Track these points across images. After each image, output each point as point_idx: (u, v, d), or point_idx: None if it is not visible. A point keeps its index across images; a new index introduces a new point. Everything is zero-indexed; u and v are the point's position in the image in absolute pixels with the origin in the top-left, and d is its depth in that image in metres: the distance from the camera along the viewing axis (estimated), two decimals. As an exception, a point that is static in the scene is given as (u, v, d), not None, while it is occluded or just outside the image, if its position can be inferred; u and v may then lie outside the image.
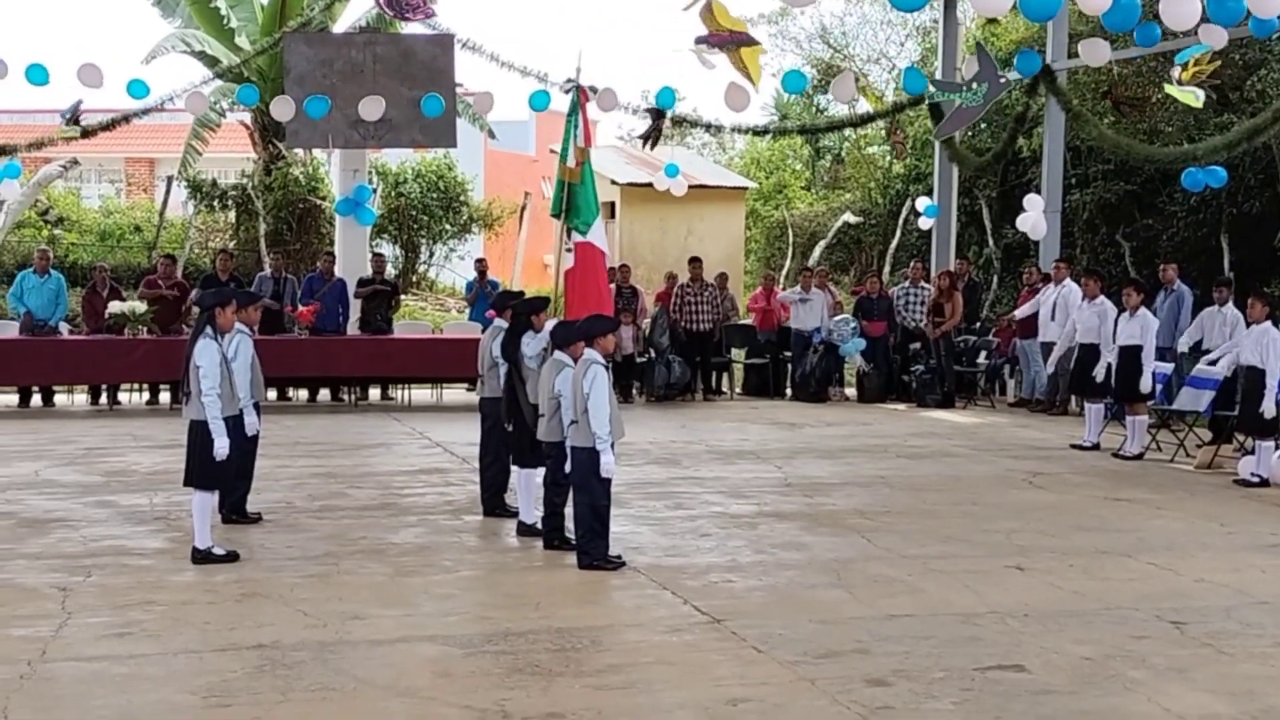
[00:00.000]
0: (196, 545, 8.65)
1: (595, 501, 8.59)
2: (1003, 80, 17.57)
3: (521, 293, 11.39)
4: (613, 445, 8.62)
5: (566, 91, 10.66)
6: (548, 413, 8.89)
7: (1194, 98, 14.64)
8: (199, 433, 8.59)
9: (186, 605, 7.56)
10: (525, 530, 9.58)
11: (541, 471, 9.40)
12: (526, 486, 9.66)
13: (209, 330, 8.69)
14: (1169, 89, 14.99)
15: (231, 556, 8.64)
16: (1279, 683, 6.44)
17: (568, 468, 8.80)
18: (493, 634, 7.05)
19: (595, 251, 9.74)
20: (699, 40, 16.04)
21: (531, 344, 9.61)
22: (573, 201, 10.31)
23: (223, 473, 8.72)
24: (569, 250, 10.22)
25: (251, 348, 9.70)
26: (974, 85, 17.57)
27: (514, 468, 9.93)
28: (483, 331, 18.53)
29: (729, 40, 15.89)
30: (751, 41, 16.02)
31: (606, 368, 8.62)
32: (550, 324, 9.60)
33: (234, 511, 9.75)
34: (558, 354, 8.94)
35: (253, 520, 9.86)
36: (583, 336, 8.79)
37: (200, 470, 8.65)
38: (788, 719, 5.83)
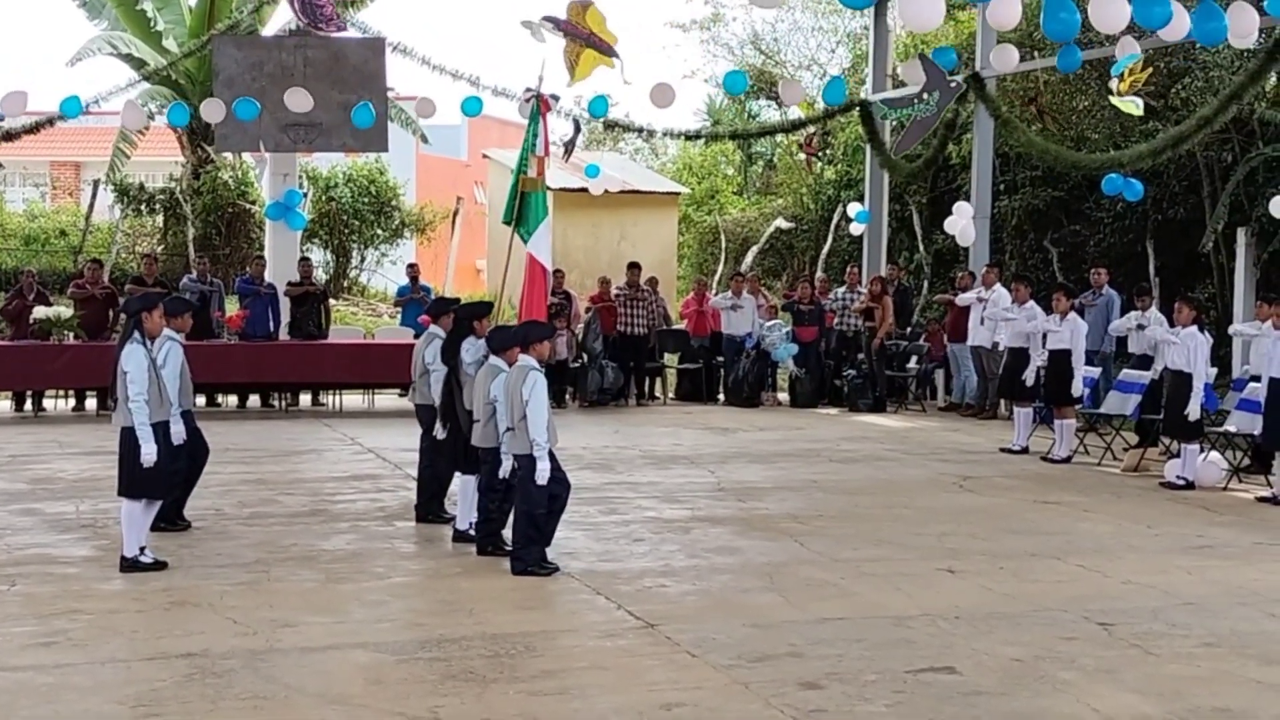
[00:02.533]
0: (124, 554, 8.52)
1: (532, 509, 8.55)
2: (953, 85, 17.72)
3: (457, 299, 11.34)
4: (550, 452, 8.57)
5: (527, 101, 10.59)
6: (483, 418, 8.87)
7: (1134, 106, 14.84)
8: (129, 440, 8.42)
9: (114, 614, 7.46)
10: (460, 537, 9.53)
11: (469, 478, 9.39)
12: (464, 493, 9.60)
13: (137, 335, 8.55)
14: (1114, 100, 15.17)
15: (159, 565, 8.52)
16: (1205, 683, 6.53)
17: (502, 473, 8.76)
18: (425, 640, 7.02)
19: (534, 262, 9.70)
20: (547, 17, 15.72)
21: (471, 350, 9.56)
22: (524, 211, 10.22)
23: (154, 480, 8.50)
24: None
25: (181, 354, 9.54)
26: (924, 95, 17.73)
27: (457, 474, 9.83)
28: (415, 337, 18.49)
29: (582, 36, 15.66)
30: (609, 54, 15.79)
31: (542, 374, 8.60)
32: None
33: (162, 519, 9.60)
34: (493, 359, 8.94)
35: (181, 528, 9.71)
36: (519, 342, 8.78)
37: (130, 479, 8.48)
38: (722, 723, 5.84)
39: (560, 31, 15.77)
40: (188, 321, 9.64)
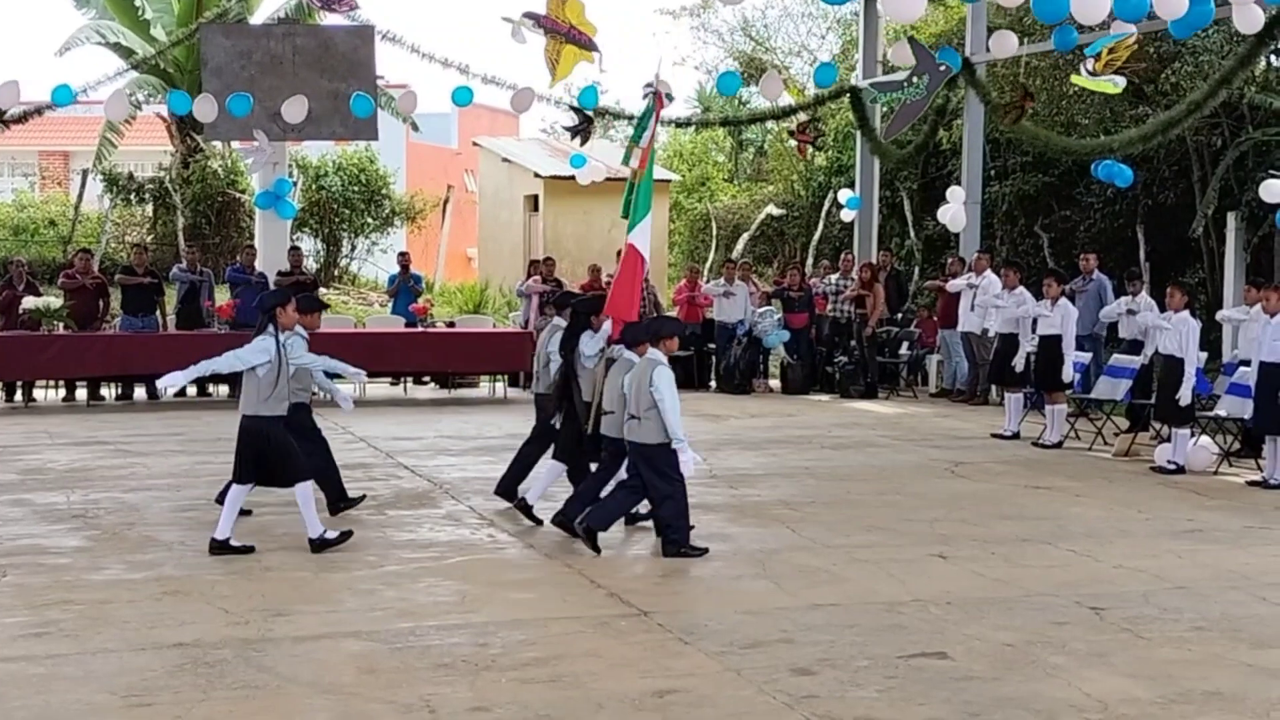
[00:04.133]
0: (311, 537, 8.81)
1: (674, 493, 8.78)
2: (942, 69, 17.69)
3: (576, 293, 11.79)
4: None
5: (645, 98, 10.73)
6: (617, 409, 9.04)
7: (1112, 85, 14.79)
8: (250, 429, 8.79)
9: (105, 604, 7.45)
10: (524, 505, 9.83)
11: (590, 468, 9.66)
12: (549, 474, 9.91)
13: (271, 329, 8.88)
14: (1077, 79, 15.12)
15: (248, 549, 8.73)
16: (1196, 666, 6.55)
17: (685, 468, 8.90)
18: (417, 629, 7.02)
19: (634, 252, 9.95)
20: (528, 14, 15.68)
21: (590, 343, 9.79)
22: (631, 200, 10.44)
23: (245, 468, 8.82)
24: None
25: (304, 349, 9.59)
26: (914, 79, 17.68)
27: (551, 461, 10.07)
28: (407, 326, 18.46)
29: (563, 32, 15.59)
30: (589, 47, 15.72)
31: (668, 367, 8.86)
32: (608, 324, 9.80)
33: (341, 500, 9.99)
34: (626, 353, 9.16)
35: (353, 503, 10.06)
36: (649, 337, 9.00)
37: (286, 468, 8.78)
38: (714, 710, 5.84)
39: (541, 29, 15.70)
40: (317, 320, 9.82)
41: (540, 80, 17.05)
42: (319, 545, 8.79)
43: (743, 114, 26.32)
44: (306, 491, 8.86)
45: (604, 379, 9.37)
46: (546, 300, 18.16)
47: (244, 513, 9.27)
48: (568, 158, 23.19)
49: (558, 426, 9.97)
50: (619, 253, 18.69)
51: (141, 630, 6.95)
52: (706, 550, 8.86)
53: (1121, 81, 14.94)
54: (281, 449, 8.79)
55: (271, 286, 18.19)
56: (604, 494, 9.27)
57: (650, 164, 10.49)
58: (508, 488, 10.28)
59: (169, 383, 8.92)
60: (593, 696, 6.00)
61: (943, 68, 17.47)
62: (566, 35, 15.37)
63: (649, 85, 11.02)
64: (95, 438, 14.02)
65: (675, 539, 8.81)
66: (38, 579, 8.03)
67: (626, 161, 10.66)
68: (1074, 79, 15.54)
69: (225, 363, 8.87)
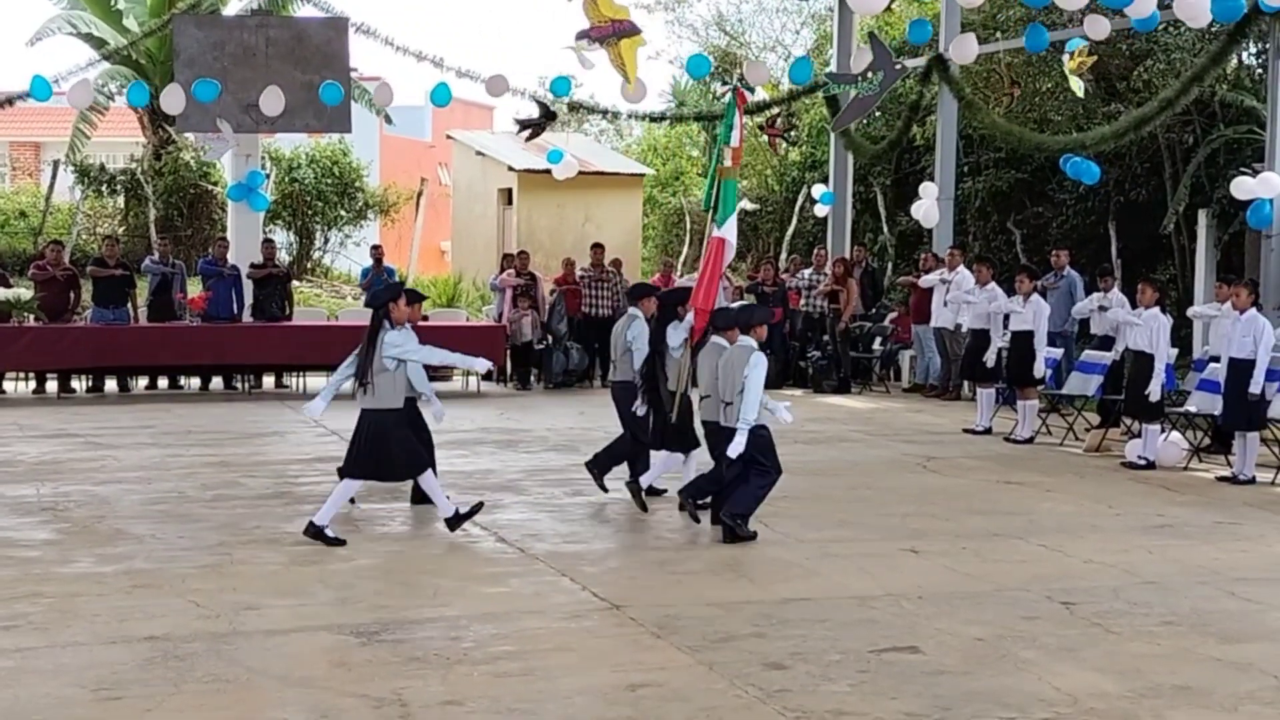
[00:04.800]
0: (445, 516, 9.04)
1: (766, 481, 9.10)
2: (898, 67, 17.75)
3: (655, 286, 12.27)
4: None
5: (724, 96, 10.84)
6: (713, 394, 9.26)
7: (1077, 86, 14.93)
8: (367, 422, 8.91)
9: (75, 597, 7.42)
10: (651, 491, 10.08)
11: (679, 457, 10.09)
12: (662, 462, 10.20)
13: (386, 324, 8.94)
14: (1067, 68, 15.25)
15: (339, 541, 8.79)
16: (1165, 660, 6.59)
17: (732, 451, 9.10)
18: (390, 622, 7.00)
19: (721, 245, 10.23)
20: (580, 35, 15.83)
21: (675, 334, 10.09)
22: (720, 197, 10.66)
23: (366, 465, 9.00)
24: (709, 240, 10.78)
25: (416, 342, 9.57)
26: (869, 75, 17.71)
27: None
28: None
29: (610, 32, 15.67)
30: (633, 30, 15.79)
31: (763, 355, 9.11)
32: (691, 314, 10.14)
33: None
34: (715, 338, 9.45)
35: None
36: (739, 324, 9.22)
37: (407, 462, 8.98)
38: (686, 704, 5.85)
39: (597, 44, 15.77)
40: (418, 312, 9.75)
41: (514, 70, 17.02)
42: (455, 521, 9.07)
43: (717, 109, 26.23)
44: (430, 479, 9.11)
45: (689, 367, 9.85)
46: (520, 293, 18.18)
47: (350, 501, 9.48)
48: (544, 152, 23.15)
49: (640, 414, 10.25)
50: (595, 246, 18.76)
51: (112, 623, 6.92)
52: (755, 535, 9.08)
53: (1081, 85, 15.06)
54: (401, 442, 8.98)
55: (244, 279, 18.16)
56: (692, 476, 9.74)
57: (738, 161, 10.74)
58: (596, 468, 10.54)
59: (314, 413, 9.13)
60: (565, 690, 5.99)
61: (898, 65, 17.53)
62: (614, 32, 15.44)
63: (728, 84, 11.26)
64: (65, 430, 13.95)
65: (738, 517, 9.05)
66: (7, 572, 7.98)
67: (720, 160, 10.86)
68: (1065, 66, 15.65)
69: (346, 372, 9.08)
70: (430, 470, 9.20)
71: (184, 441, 13.31)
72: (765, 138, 22.18)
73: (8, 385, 17.44)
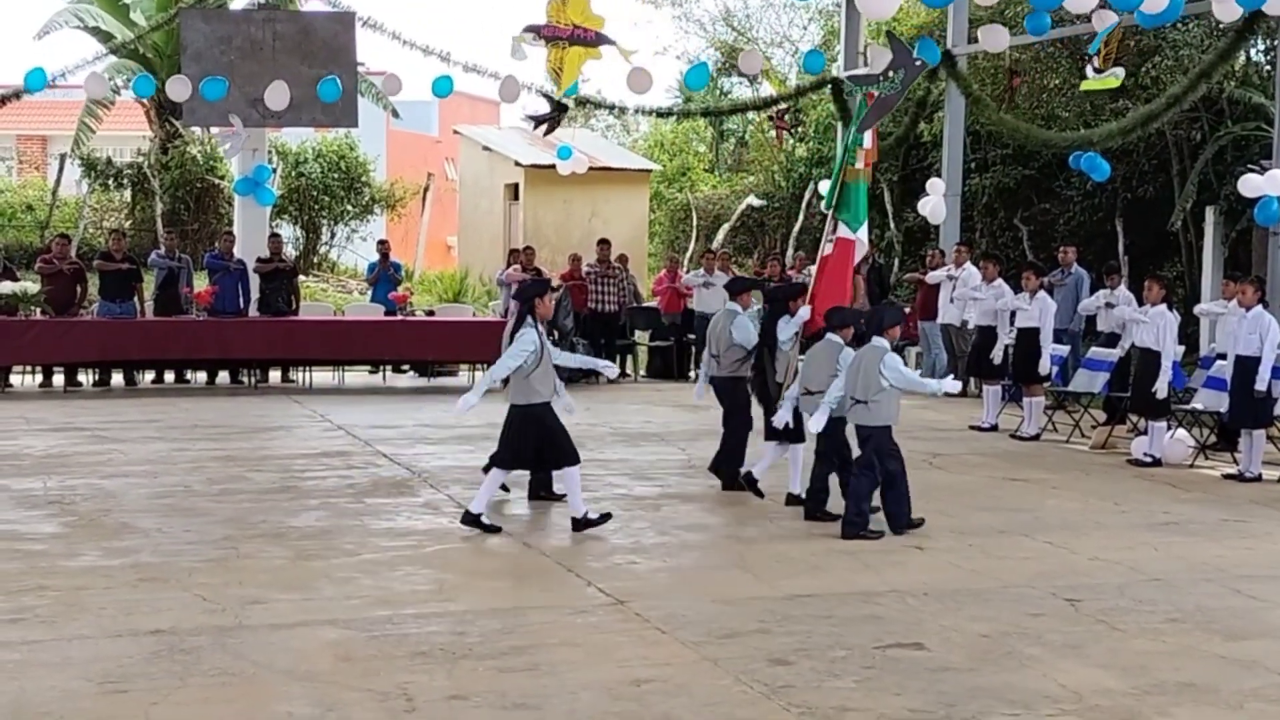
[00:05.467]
0: (574, 516, 9.14)
1: (899, 478, 9.27)
2: (918, 64, 17.71)
3: (747, 278, 12.39)
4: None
5: (850, 95, 11.01)
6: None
7: (1114, 79, 14.85)
8: (517, 416, 9.10)
9: (81, 591, 7.43)
10: (791, 500, 10.09)
11: (798, 446, 10.18)
12: (795, 460, 10.26)
13: (530, 319, 9.11)
14: (1086, 85, 15.20)
15: (496, 529, 9.06)
16: (1170, 658, 6.58)
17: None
18: (395, 617, 7.01)
19: (850, 248, 10.67)
20: (529, 28, 15.76)
21: (785, 328, 10.29)
22: (846, 199, 10.80)
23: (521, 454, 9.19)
24: (830, 240, 10.93)
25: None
26: (890, 73, 17.69)
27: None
28: (387, 314, 18.44)
29: (565, 36, 15.60)
30: (596, 42, 15.71)
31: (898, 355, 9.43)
32: (804, 310, 10.40)
33: (541, 488, 10.16)
34: (830, 336, 9.71)
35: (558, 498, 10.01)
36: (874, 326, 9.35)
37: (560, 451, 9.10)
38: (691, 699, 5.85)
39: (542, 40, 15.68)
40: (549, 307, 9.75)
41: (523, 67, 16.93)
42: (581, 525, 9.10)
43: (724, 104, 26.26)
44: (574, 475, 9.16)
45: (794, 364, 10.12)
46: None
47: (503, 488, 9.64)
48: (551, 147, 23.13)
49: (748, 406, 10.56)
50: (602, 241, 18.74)
51: (118, 617, 6.93)
52: (882, 534, 9.16)
53: (1121, 72, 14.98)
54: (553, 433, 9.11)
55: (250, 274, 18.16)
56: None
57: (870, 163, 11.01)
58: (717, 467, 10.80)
59: (464, 408, 9.08)
60: (570, 685, 6.00)
61: (918, 63, 17.48)
62: (570, 38, 15.33)
63: (860, 86, 11.47)
64: (72, 424, 13.97)
65: (899, 517, 9.23)
66: (13, 565, 7.99)
67: (852, 162, 11.01)
68: (1083, 85, 15.57)
69: (504, 369, 9.12)
70: (578, 464, 9.29)
71: (190, 436, 13.33)
72: (773, 131, 22.11)
73: (14, 379, 17.46)
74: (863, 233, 10.89)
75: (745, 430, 10.77)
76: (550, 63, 16.16)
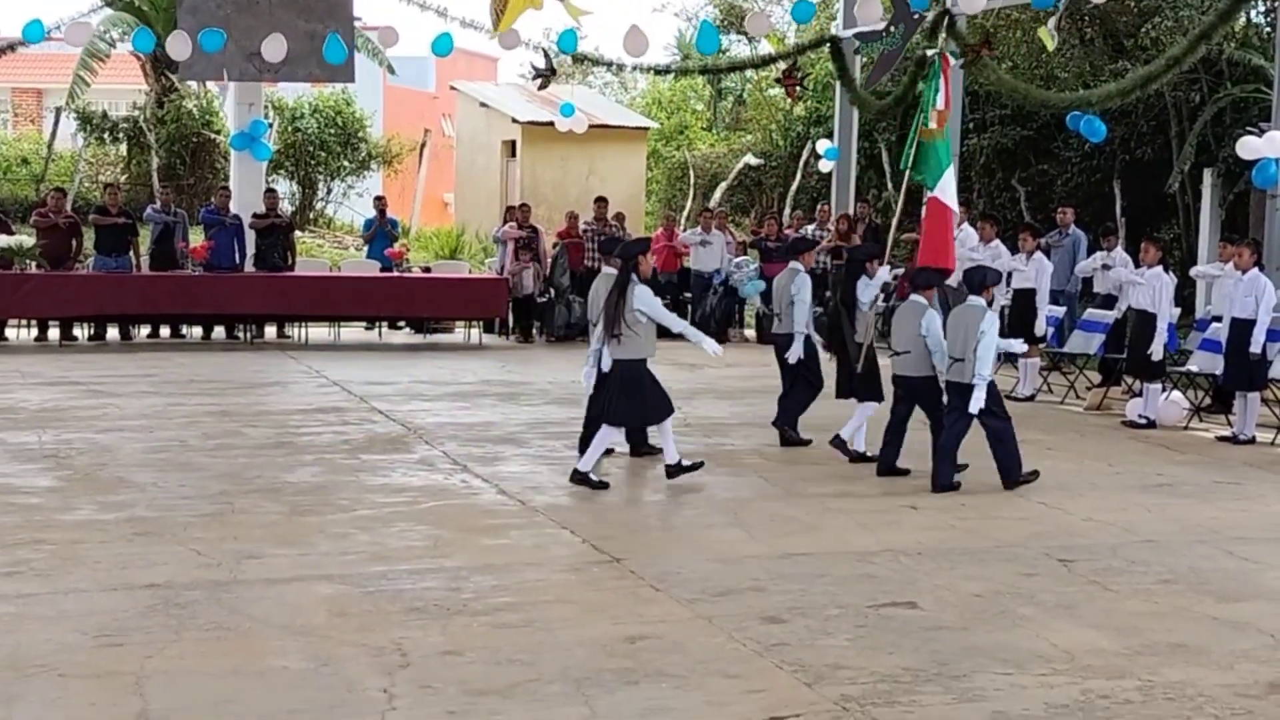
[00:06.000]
0: (580, 467, 9.33)
1: (1005, 429, 9.57)
2: (916, 17, 17.65)
3: (808, 238, 12.83)
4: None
5: (930, 60, 11.14)
6: (914, 350, 9.79)
7: (1047, 38, 14.92)
8: (627, 371, 9.26)
9: (77, 544, 7.45)
10: (858, 457, 10.36)
11: (873, 405, 10.49)
12: (858, 416, 10.53)
13: (634, 277, 9.27)
14: (1042, 33, 15.22)
15: (603, 484, 9.25)
16: (1162, 619, 6.61)
17: (791, 357, 10.30)
18: (390, 573, 7.03)
19: (943, 206, 10.92)
20: None
21: (867, 290, 10.57)
22: (923, 158, 10.91)
23: (641, 409, 9.40)
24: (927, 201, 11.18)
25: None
26: (892, 29, 17.64)
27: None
28: (382, 270, 18.39)
29: None
30: None
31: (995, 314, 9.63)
32: (883, 271, 10.72)
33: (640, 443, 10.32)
34: (914, 296, 9.97)
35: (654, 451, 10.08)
36: (976, 287, 9.59)
37: (623, 408, 9.31)
38: (685, 656, 5.88)
39: None
40: (649, 265, 9.84)
41: (527, 21, 16.85)
42: (674, 470, 9.38)
43: (722, 62, 26.12)
44: (667, 426, 9.44)
45: (872, 325, 10.51)
46: (522, 245, 18.12)
47: (606, 452, 9.73)
48: (548, 104, 23.04)
49: (792, 363, 10.81)
50: (599, 199, 18.73)
51: (113, 571, 6.95)
52: (1037, 473, 9.61)
53: (1053, 39, 14.99)
54: (652, 387, 9.39)
55: (246, 229, 18.11)
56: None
57: (943, 123, 11.14)
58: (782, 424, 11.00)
59: (589, 381, 9.62)
60: (564, 642, 6.02)
61: (916, 15, 17.43)
62: None
63: (932, 48, 11.63)
64: (67, 378, 13.96)
65: (1011, 470, 9.56)
66: (9, 518, 8.01)
67: (926, 123, 11.12)
68: (1040, 32, 15.60)
69: (679, 325, 9.76)
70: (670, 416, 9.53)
71: (186, 391, 13.33)
72: (780, 90, 22.01)
73: (10, 333, 17.45)
74: (942, 191, 11.05)
75: (812, 390, 11.04)
76: (493, 4, 16.17)
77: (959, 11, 18.26)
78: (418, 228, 29.35)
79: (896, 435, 9.96)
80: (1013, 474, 9.57)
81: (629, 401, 9.29)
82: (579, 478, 9.24)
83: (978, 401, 9.30)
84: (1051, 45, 15.28)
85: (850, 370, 10.55)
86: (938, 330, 9.63)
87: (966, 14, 17.46)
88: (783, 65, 21.79)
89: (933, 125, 11.20)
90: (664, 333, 9.65)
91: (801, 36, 23.39)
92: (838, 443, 10.46)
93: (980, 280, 9.64)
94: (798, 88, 20.98)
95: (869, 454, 10.29)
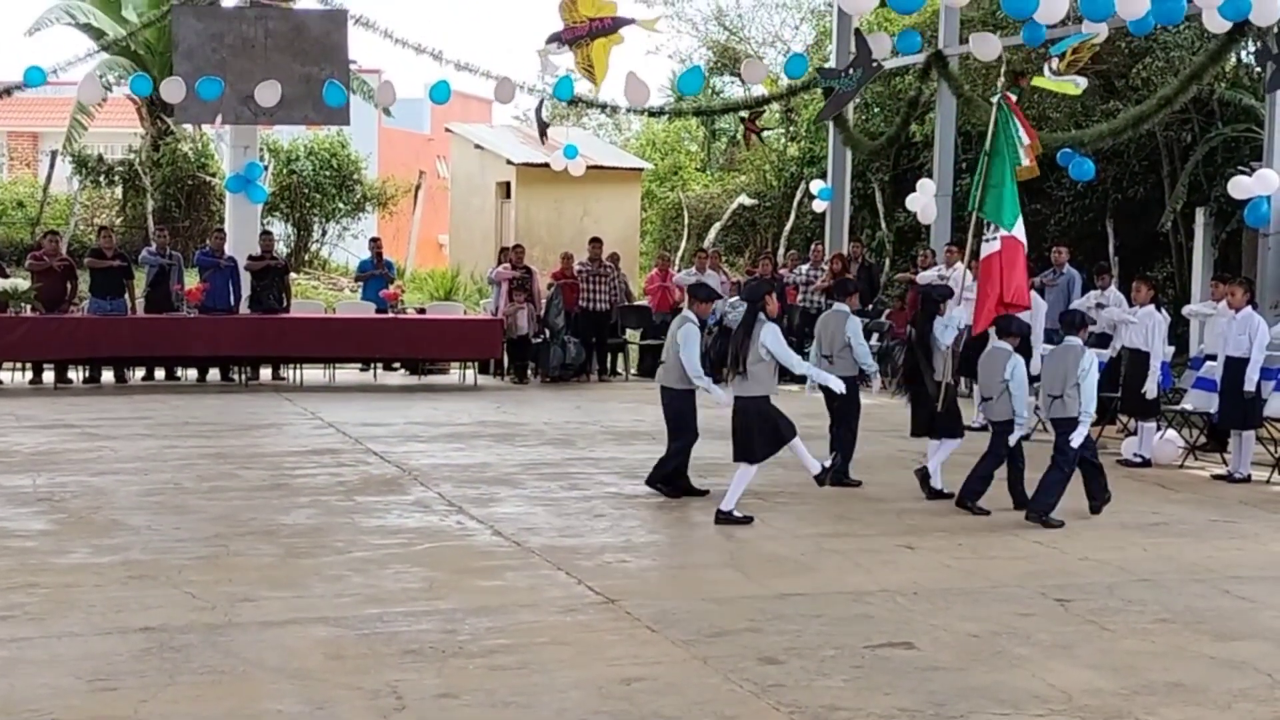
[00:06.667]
0: (721, 509, 9.53)
1: (1069, 469, 9.90)
2: (875, 65, 17.76)
3: (857, 282, 13.44)
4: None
5: (998, 104, 11.34)
6: (994, 395, 10.20)
7: (1073, 86, 14.94)
8: (749, 409, 9.56)
9: (70, 588, 7.42)
10: (934, 495, 10.61)
11: (955, 442, 10.75)
12: (940, 452, 10.75)
13: (761, 316, 9.62)
14: (1039, 81, 15.27)
15: (748, 519, 9.49)
16: (1159, 658, 6.60)
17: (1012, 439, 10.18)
18: (385, 615, 7.01)
19: (1018, 244, 11.23)
20: (550, 38, 15.96)
21: (946, 332, 10.89)
22: (1003, 199, 11.41)
23: (770, 440, 9.63)
24: (989, 240, 11.37)
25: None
26: (850, 71, 17.80)
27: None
28: (378, 312, 18.41)
29: (584, 33, 15.78)
30: (612, 29, 15.88)
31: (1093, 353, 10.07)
32: (958, 311, 11.13)
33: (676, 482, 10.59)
34: (999, 342, 10.38)
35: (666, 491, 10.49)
36: (1072, 327, 10.11)
37: (749, 444, 9.56)
38: (681, 697, 5.86)
39: (565, 46, 15.82)
40: (777, 305, 10.22)
41: (515, 62, 17.07)
42: (723, 518, 9.52)
43: (715, 104, 26.25)
44: (752, 472, 9.66)
45: (949, 362, 10.80)
46: (516, 286, 18.14)
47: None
48: (541, 147, 23.09)
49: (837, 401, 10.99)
50: (594, 240, 18.76)
51: (107, 614, 6.92)
52: (1061, 524, 9.69)
53: (1083, 82, 15.06)
54: (780, 416, 9.66)
55: (242, 271, 18.15)
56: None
57: (1034, 160, 11.76)
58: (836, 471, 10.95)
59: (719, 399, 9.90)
60: (560, 684, 6.00)
61: (875, 65, 17.60)
62: (590, 33, 15.43)
63: (999, 93, 11.85)
64: (62, 420, 13.95)
65: (1044, 506, 9.79)
66: (3, 562, 7.98)
67: (1018, 162, 11.41)
68: (1035, 80, 15.65)
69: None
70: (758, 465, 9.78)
71: (180, 433, 13.31)
72: (743, 132, 22.18)
73: (4, 375, 17.43)
74: (1019, 228, 11.33)
75: (855, 427, 11.28)
76: (580, 63, 16.28)
77: (951, 53, 18.41)
78: (413, 269, 29.40)
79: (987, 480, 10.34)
80: (1041, 509, 9.78)
81: (761, 436, 9.57)
82: (723, 518, 9.46)
83: (1079, 438, 9.68)
84: (1078, 90, 15.37)
85: (930, 409, 10.75)
86: (1022, 375, 10.12)
87: (979, 59, 17.50)
88: (777, 107, 21.96)
89: (1026, 162, 11.53)
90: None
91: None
92: (923, 474, 10.77)
93: (1080, 321, 10.10)
94: (756, 134, 21.23)
95: (946, 491, 10.54)
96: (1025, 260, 11.42)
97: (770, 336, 9.54)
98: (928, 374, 10.77)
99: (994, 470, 10.22)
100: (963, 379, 17.24)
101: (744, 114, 22.43)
